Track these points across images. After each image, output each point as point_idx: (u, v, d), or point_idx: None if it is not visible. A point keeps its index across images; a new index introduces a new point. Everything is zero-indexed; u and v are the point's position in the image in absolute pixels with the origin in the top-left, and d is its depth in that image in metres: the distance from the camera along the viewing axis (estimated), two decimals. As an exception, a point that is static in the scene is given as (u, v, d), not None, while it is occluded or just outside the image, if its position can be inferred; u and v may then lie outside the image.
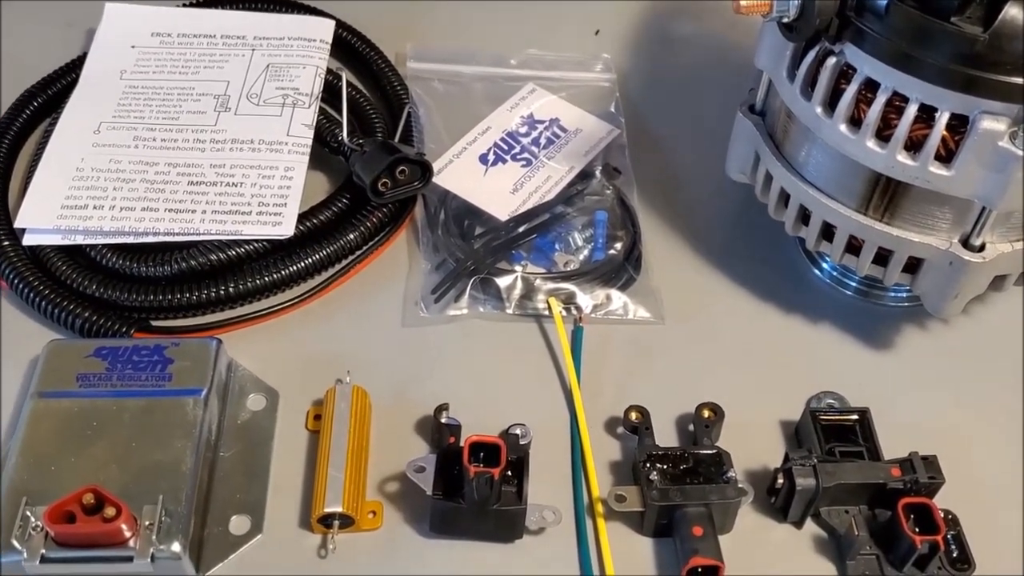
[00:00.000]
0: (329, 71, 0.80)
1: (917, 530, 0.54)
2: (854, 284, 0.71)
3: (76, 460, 0.56)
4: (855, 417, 0.62)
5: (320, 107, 0.77)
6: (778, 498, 0.59)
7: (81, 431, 0.57)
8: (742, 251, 0.74)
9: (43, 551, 0.52)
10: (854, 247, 0.64)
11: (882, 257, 0.63)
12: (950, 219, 0.59)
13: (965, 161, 0.55)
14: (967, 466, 0.61)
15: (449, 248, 0.71)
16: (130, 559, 0.52)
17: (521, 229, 0.72)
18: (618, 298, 0.70)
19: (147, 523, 0.53)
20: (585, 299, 0.69)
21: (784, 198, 0.66)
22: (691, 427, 0.63)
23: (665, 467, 0.59)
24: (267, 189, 0.71)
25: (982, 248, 0.59)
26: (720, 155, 0.71)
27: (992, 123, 0.53)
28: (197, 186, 0.71)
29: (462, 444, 0.54)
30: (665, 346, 0.68)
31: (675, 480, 0.58)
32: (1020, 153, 0.53)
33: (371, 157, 0.70)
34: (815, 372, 0.66)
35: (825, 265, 0.73)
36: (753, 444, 0.62)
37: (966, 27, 0.52)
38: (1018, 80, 0.52)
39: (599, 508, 0.59)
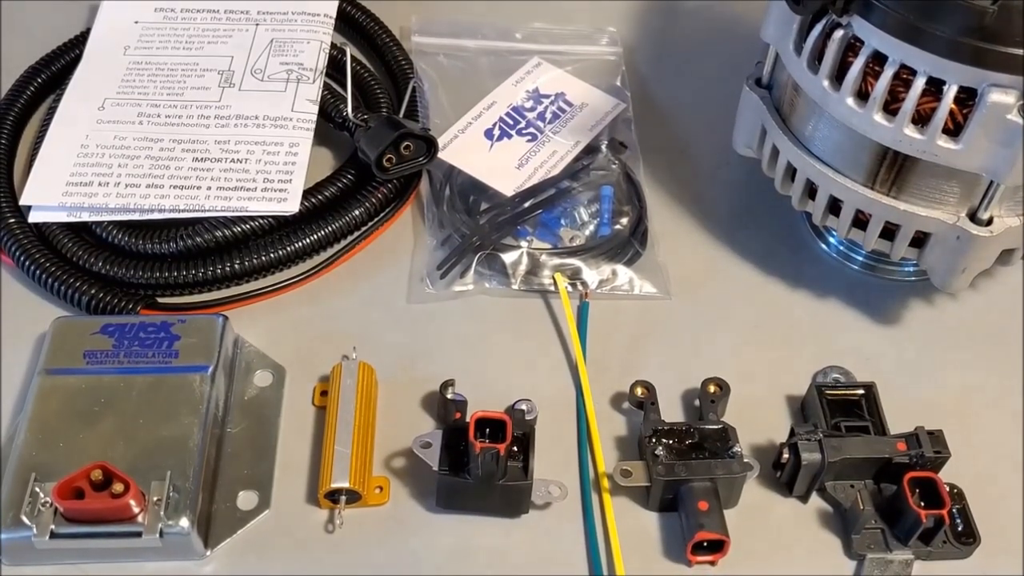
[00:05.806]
0: (333, 46, 0.80)
1: (922, 504, 0.54)
2: (861, 259, 0.71)
3: (84, 437, 0.56)
4: (861, 392, 0.62)
5: (324, 82, 0.77)
6: (784, 473, 0.59)
7: (89, 408, 0.57)
8: (748, 226, 0.74)
9: (52, 527, 0.52)
10: (861, 221, 0.63)
11: (889, 231, 0.62)
12: (957, 193, 0.59)
13: (973, 135, 0.55)
14: (973, 441, 0.61)
15: (454, 224, 0.71)
16: (139, 534, 0.53)
17: (527, 204, 0.72)
18: (624, 273, 0.70)
19: (155, 499, 0.53)
20: (591, 274, 0.69)
21: (791, 172, 0.66)
22: (697, 402, 0.63)
23: (671, 442, 0.59)
24: (272, 165, 0.71)
25: (989, 222, 0.59)
26: (727, 129, 0.71)
27: (1000, 96, 0.53)
28: (202, 162, 0.70)
29: (468, 420, 0.55)
30: (671, 321, 0.68)
31: (681, 455, 0.58)
32: (1029, 126, 0.53)
33: (376, 132, 0.70)
34: (821, 347, 0.66)
35: (832, 240, 0.72)
36: (759, 419, 0.62)
37: (975, -1, 0.52)
38: (1027, 52, 0.51)
39: (605, 483, 0.59)
